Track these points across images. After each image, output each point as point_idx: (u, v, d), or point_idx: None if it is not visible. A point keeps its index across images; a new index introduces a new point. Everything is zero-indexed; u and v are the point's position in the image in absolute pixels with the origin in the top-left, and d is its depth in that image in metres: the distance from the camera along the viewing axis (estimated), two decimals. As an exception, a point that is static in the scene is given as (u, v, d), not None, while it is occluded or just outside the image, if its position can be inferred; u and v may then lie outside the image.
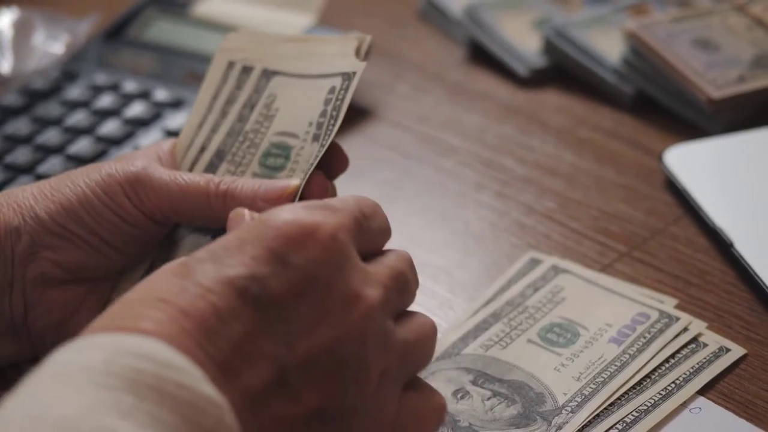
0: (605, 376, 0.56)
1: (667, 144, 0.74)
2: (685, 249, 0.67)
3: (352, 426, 0.46)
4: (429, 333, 0.50)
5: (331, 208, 0.48)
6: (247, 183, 0.57)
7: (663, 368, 0.57)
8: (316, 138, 0.58)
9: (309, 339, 0.45)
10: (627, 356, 0.57)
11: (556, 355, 0.58)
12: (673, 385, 0.56)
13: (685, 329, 0.59)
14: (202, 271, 0.45)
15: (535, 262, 0.65)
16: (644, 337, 0.58)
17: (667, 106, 0.79)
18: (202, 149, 0.60)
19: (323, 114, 0.58)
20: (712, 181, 0.70)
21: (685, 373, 0.57)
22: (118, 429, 0.38)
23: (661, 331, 0.59)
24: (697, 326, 0.60)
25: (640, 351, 0.58)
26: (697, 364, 0.58)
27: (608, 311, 0.61)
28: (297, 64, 0.61)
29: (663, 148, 0.74)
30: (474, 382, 0.57)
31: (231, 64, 0.62)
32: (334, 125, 0.57)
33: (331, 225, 0.46)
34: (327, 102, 0.58)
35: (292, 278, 0.45)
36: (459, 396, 0.57)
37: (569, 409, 0.55)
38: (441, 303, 0.64)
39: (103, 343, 0.42)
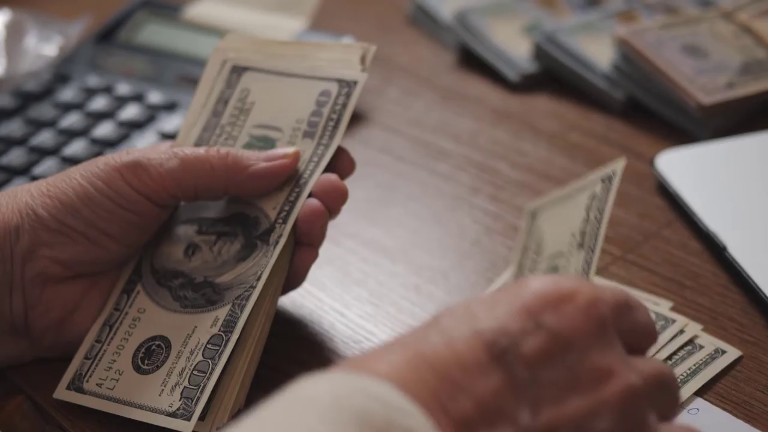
0: None
1: (657, 149, 0.75)
2: (677, 252, 0.68)
3: None
4: None
5: (594, 284, 0.45)
6: (246, 150, 0.58)
7: (661, 369, 0.58)
8: (309, 135, 0.60)
9: (557, 407, 0.42)
10: None
11: None
12: (671, 386, 0.57)
13: (681, 331, 0.60)
14: (449, 321, 0.43)
15: (531, 265, 0.66)
16: None
17: (656, 112, 0.80)
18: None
19: (316, 114, 0.60)
20: (703, 185, 0.71)
21: (682, 375, 0.58)
22: None
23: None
24: (693, 328, 0.60)
25: None
26: (694, 365, 0.58)
27: None
28: (285, 64, 0.62)
29: (653, 153, 0.75)
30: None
31: (224, 63, 0.63)
32: (336, 128, 0.60)
33: (591, 293, 0.44)
34: (321, 104, 0.60)
35: (544, 339, 0.42)
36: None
37: None
38: (438, 305, 0.64)
39: (334, 379, 0.40)
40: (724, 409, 0.57)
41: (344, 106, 0.60)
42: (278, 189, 0.59)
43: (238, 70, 0.63)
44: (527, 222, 0.62)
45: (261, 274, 0.56)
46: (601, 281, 0.64)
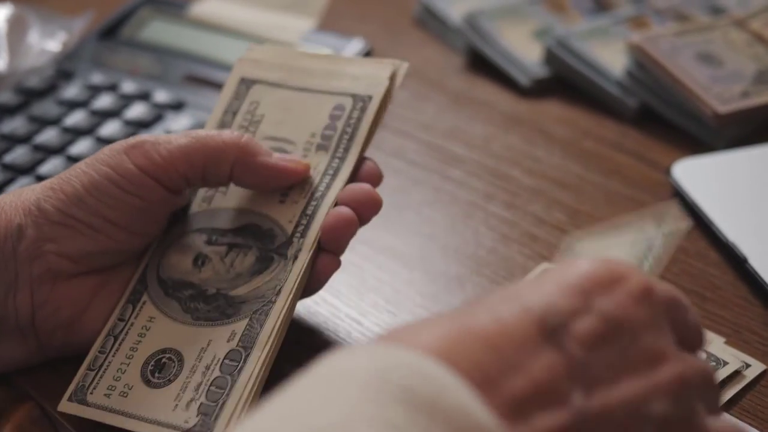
0: None
1: (671, 157, 0.74)
2: (696, 263, 0.67)
3: None
4: None
5: (648, 274, 0.44)
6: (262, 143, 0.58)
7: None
8: (323, 148, 0.59)
9: (610, 389, 0.40)
10: None
11: None
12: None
13: (737, 372, 0.58)
14: (495, 299, 0.41)
15: (549, 274, 0.65)
16: None
17: (670, 120, 0.79)
18: None
19: (330, 127, 0.60)
20: (721, 195, 0.70)
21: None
22: None
23: None
24: (752, 371, 0.58)
25: None
26: (719, 379, 0.57)
27: None
28: (310, 82, 0.61)
29: (667, 162, 0.74)
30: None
31: (244, 80, 0.62)
32: (351, 141, 0.59)
33: (644, 280, 0.42)
34: (335, 117, 0.60)
35: (596, 320, 0.40)
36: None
37: None
38: (456, 314, 0.63)
39: (373, 352, 0.38)
40: (750, 424, 0.56)
41: (359, 120, 0.59)
42: (292, 201, 0.58)
43: (246, 82, 0.62)
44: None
45: (280, 288, 0.55)
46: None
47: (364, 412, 0.35)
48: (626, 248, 0.52)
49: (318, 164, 0.59)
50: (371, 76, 0.60)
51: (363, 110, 0.60)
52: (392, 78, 0.61)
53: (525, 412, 0.38)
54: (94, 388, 0.54)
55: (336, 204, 0.57)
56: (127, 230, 0.56)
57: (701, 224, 0.69)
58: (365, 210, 0.57)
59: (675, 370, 0.41)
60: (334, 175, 0.58)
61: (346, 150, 0.59)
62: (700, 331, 0.45)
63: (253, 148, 0.57)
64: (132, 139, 0.56)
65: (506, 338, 0.39)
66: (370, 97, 0.60)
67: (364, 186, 0.57)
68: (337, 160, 0.58)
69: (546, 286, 0.41)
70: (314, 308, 0.62)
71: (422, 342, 0.38)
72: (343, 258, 0.58)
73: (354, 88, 0.60)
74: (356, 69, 0.61)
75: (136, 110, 0.76)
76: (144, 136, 0.56)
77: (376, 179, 0.59)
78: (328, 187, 0.58)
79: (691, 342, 0.44)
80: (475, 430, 0.36)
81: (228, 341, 0.54)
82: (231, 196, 0.59)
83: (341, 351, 0.38)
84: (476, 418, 0.36)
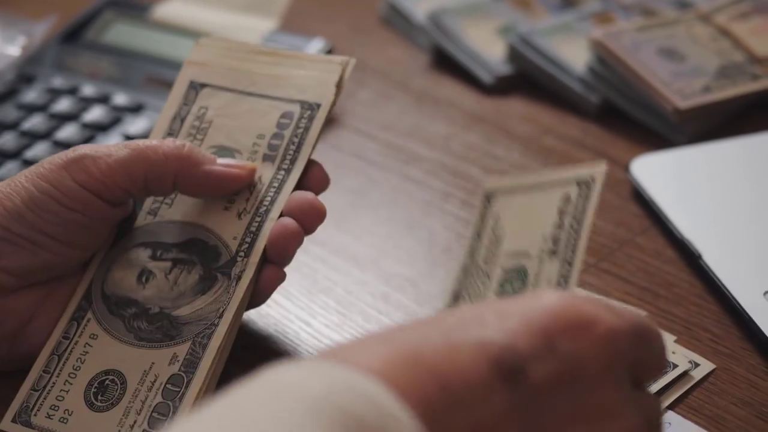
0: None
1: (634, 154, 0.74)
2: (652, 261, 0.67)
3: None
4: None
5: (615, 310, 0.42)
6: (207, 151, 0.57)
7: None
8: (269, 159, 0.58)
9: None
10: None
11: None
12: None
13: (686, 373, 0.57)
14: (453, 321, 0.40)
15: (502, 274, 0.64)
16: None
17: (633, 116, 0.79)
18: None
19: (277, 136, 0.58)
20: (678, 192, 0.70)
21: (656, 390, 0.56)
22: None
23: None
24: (701, 371, 0.58)
25: None
26: (668, 381, 0.57)
27: None
28: (254, 84, 0.60)
29: (629, 158, 0.73)
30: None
31: (193, 84, 0.61)
32: (297, 151, 0.57)
33: (611, 324, 0.41)
34: (282, 126, 0.58)
35: (556, 366, 0.39)
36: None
37: None
38: (408, 314, 0.63)
39: (323, 371, 0.37)
40: (696, 423, 0.55)
41: (306, 129, 0.58)
42: (236, 214, 0.57)
43: (195, 86, 0.60)
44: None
45: (223, 312, 0.55)
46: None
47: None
48: (545, 204, 0.51)
49: (262, 175, 0.57)
50: (319, 81, 0.59)
51: (311, 119, 0.58)
52: (340, 80, 0.59)
53: None
54: (38, 410, 0.54)
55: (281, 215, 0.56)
56: (70, 245, 0.55)
57: (658, 221, 0.69)
58: (309, 220, 0.57)
59: (623, 428, 0.41)
60: (278, 189, 0.57)
61: (293, 161, 0.57)
62: (662, 362, 0.44)
63: (195, 158, 0.56)
64: (71, 153, 0.55)
65: (458, 373, 0.37)
66: (318, 105, 0.58)
67: (308, 196, 0.56)
68: (282, 172, 0.57)
69: (509, 320, 0.40)
70: (265, 310, 0.62)
71: (370, 364, 0.37)
72: (295, 259, 0.58)
73: (302, 94, 0.59)
74: (304, 71, 0.60)
75: (95, 113, 0.75)
76: (83, 149, 0.55)
77: (322, 185, 0.58)
78: (272, 201, 0.57)
79: (648, 374, 0.44)
80: None
81: (170, 364, 0.54)
82: (176, 209, 0.58)
83: (289, 364, 0.37)
84: None
